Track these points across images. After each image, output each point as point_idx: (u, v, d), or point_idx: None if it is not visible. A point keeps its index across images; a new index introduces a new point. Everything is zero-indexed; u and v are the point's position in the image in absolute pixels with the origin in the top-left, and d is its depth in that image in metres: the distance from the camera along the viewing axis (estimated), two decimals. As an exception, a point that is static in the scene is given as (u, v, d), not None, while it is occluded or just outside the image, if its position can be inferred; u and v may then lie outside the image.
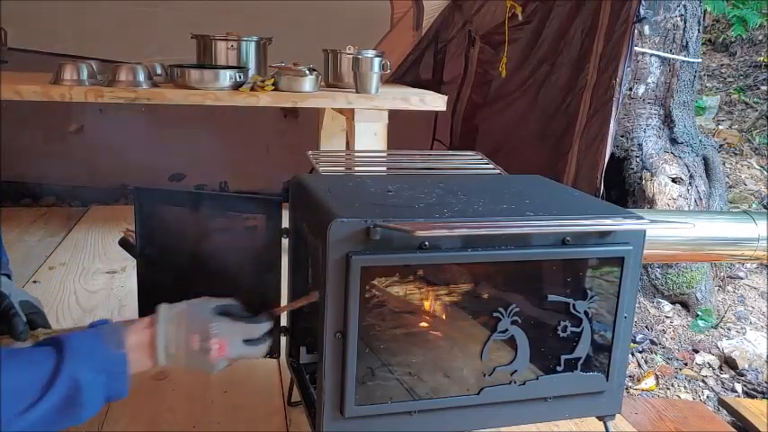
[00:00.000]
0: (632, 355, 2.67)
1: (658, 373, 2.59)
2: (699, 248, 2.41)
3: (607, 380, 1.35)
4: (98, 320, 1.22)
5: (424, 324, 1.33)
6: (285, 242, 1.52)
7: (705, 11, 4.79)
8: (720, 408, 2.33)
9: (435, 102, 2.83)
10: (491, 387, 1.27)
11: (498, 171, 1.70)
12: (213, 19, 3.41)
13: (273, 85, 2.72)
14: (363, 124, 2.71)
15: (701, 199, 3.21)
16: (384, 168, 1.85)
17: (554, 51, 3.15)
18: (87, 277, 2.57)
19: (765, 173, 4.68)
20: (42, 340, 1.17)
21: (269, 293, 1.51)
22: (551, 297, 1.31)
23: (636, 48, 2.92)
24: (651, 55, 3.17)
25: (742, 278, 3.46)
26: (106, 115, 3.64)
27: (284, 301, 1.55)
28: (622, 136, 3.25)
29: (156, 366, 1.18)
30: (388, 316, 1.29)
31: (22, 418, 1.00)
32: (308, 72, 2.72)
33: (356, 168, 1.83)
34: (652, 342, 2.81)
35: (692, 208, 3.16)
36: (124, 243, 1.58)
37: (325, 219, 1.15)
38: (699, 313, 3.06)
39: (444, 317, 1.34)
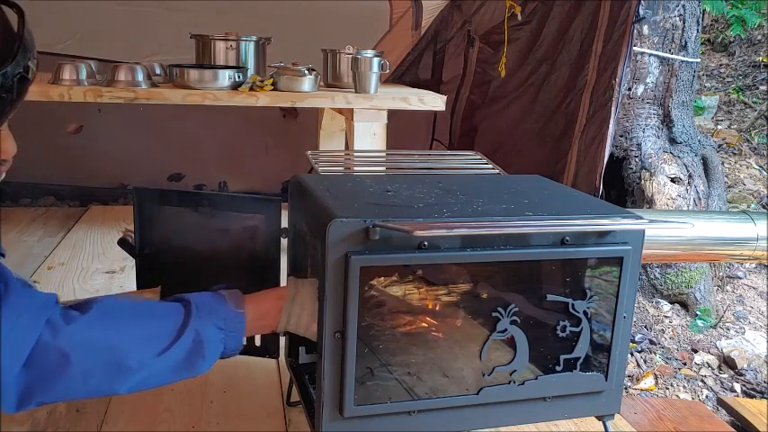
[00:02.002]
0: (631, 354, 2.67)
1: (657, 373, 2.59)
2: (698, 248, 2.41)
3: (606, 380, 1.35)
4: (220, 285, 1.31)
5: (423, 324, 1.33)
6: (285, 242, 1.52)
7: (704, 11, 4.80)
8: (719, 407, 2.33)
9: (434, 102, 2.84)
10: (490, 387, 1.27)
11: (497, 171, 1.70)
12: (212, 19, 3.41)
13: (272, 84, 2.72)
14: (362, 124, 2.71)
15: (699, 199, 3.22)
16: (383, 168, 1.86)
17: (553, 51, 3.16)
18: (86, 277, 2.57)
19: (764, 173, 4.69)
20: (171, 297, 1.25)
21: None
22: (550, 297, 1.31)
23: (635, 48, 2.92)
24: (650, 55, 3.17)
25: (741, 278, 3.46)
26: (105, 115, 3.64)
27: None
28: (621, 136, 3.25)
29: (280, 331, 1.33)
30: (388, 316, 1.29)
31: (156, 361, 1.13)
32: (306, 72, 2.72)
33: (355, 168, 1.83)
34: (651, 342, 2.81)
35: (690, 208, 3.16)
36: (123, 243, 1.58)
37: (324, 219, 1.15)
38: (698, 313, 3.06)
39: (443, 317, 1.34)
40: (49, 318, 1.07)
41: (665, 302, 3.12)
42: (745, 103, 5.57)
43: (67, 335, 1.07)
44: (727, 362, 2.70)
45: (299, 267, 1.52)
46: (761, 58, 5.86)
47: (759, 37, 5.99)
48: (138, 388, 1.14)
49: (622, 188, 3.30)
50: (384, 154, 2.32)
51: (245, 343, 1.28)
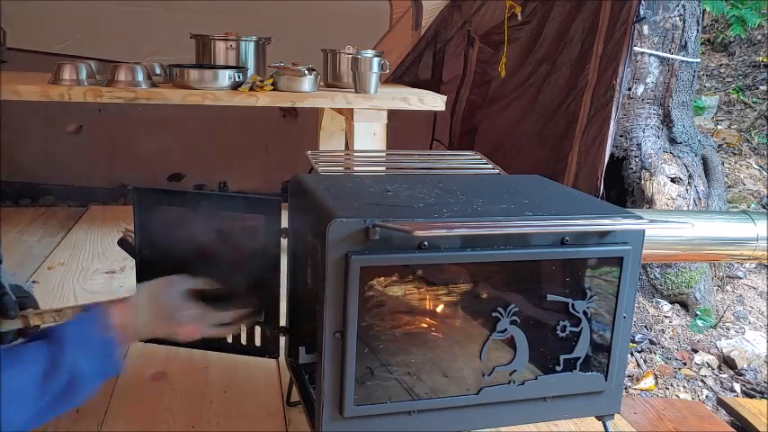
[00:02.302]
0: (631, 354, 2.67)
1: (657, 373, 2.59)
2: (698, 248, 2.41)
3: (606, 380, 1.35)
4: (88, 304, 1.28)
5: (423, 324, 1.34)
6: (285, 242, 1.52)
7: (704, 11, 4.79)
8: (719, 407, 2.33)
9: (434, 102, 2.83)
10: (490, 387, 1.27)
11: (497, 171, 1.70)
12: (212, 19, 3.41)
13: (272, 84, 2.72)
14: (362, 124, 2.71)
15: (699, 199, 3.22)
16: (383, 168, 1.86)
17: (554, 51, 3.16)
18: (86, 277, 2.57)
19: (764, 173, 4.69)
20: (36, 334, 1.22)
21: (269, 293, 1.51)
22: (550, 297, 1.31)
23: (635, 48, 2.92)
24: (650, 55, 3.17)
25: (741, 278, 3.46)
26: (105, 115, 3.64)
27: (284, 302, 1.55)
28: (621, 136, 3.25)
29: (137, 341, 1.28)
30: (388, 316, 1.29)
31: (31, 408, 1.08)
32: (307, 72, 2.71)
33: (355, 168, 1.83)
34: (651, 342, 2.81)
35: (690, 208, 3.16)
36: (123, 243, 1.58)
37: (324, 219, 1.15)
38: (698, 313, 3.06)
39: (443, 317, 1.34)
40: None
41: (665, 302, 3.12)
42: (745, 103, 5.57)
43: None
44: (727, 362, 2.70)
45: (300, 267, 1.52)
46: (761, 58, 5.86)
47: (759, 37, 5.98)
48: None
49: (622, 188, 3.30)
50: (384, 154, 2.32)
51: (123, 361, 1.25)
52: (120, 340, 1.22)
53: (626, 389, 2.43)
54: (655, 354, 2.73)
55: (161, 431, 1.55)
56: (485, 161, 1.77)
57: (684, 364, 2.69)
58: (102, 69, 2.78)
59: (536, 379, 1.31)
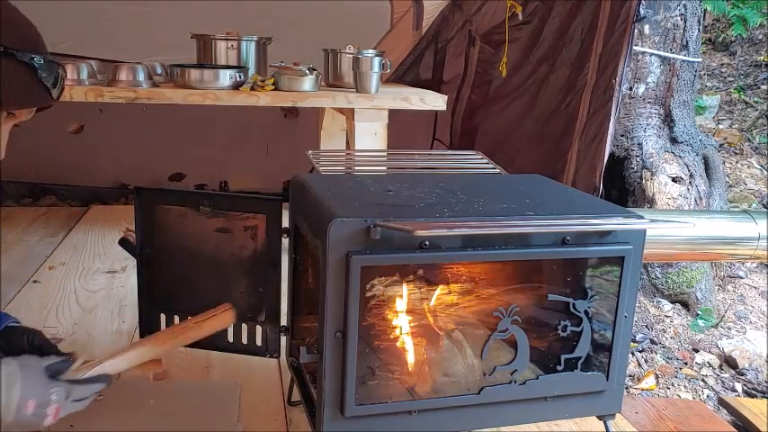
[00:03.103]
0: (632, 354, 2.67)
1: (658, 373, 2.59)
2: (699, 248, 2.41)
3: (607, 379, 1.35)
4: None
5: (423, 324, 1.33)
6: (285, 242, 1.52)
7: (705, 10, 4.79)
8: (720, 407, 2.33)
9: (435, 101, 2.83)
10: (491, 386, 1.27)
11: (498, 170, 1.70)
12: (213, 19, 3.41)
13: (273, 84, 2.72)
14: (363, 124, 2.71)
15: (701, 198, 3.21)
16: (384, 168, 1.86)
17: (554, 51, 3.15)
18: (87, 277, 2.57)
19: (765, 172, 4.68)
20: None
21: (269, 293, 1.52)
22: (551, 296, 1.31)
23: (636, 47, 2.92)
24: (651, 54, 3.17)
25: (742, 277, 3.46)
26: (106, 115, 3.64)
27: (285, 302, 1.55)
28: (622, 135, 3.25)
29: None
30: (388, 316, 1.29)
31: None
32: (307, 72, 2.71)
33: (356, 168, 1.83)
34: (652, 341, 2.81)
35: (692, 207, 3.16)
36: (124, 243, 1.58)
37: (325, 218, 1.15)
38: (699, 312, 3.06)
39: (444, 316, 1.34)
40: None
41: (666, 302, 3.11)
42: (747, 103, 5.56)
43: None
44: (729, 361, 2.70)
45: (300, 267, 1.52)
46: (762, 58, 5.86)
47: (760, 36, 5.98)
48: None
49: (623, 188, 3.30)
50: (385, 154, 2.32)
51: None
52: None
53: (627, 388, 2.43)
54: (656, 353, 2.73)
55: (161, 431, 1.55)
56: (486, 161, 1.77)
57: (685, 363, 2.69)
58: (104, 69, 2.78)
59: (537, 379, 1.31)
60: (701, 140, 3.38)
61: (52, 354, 1.28)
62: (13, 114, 1.20)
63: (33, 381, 1.16)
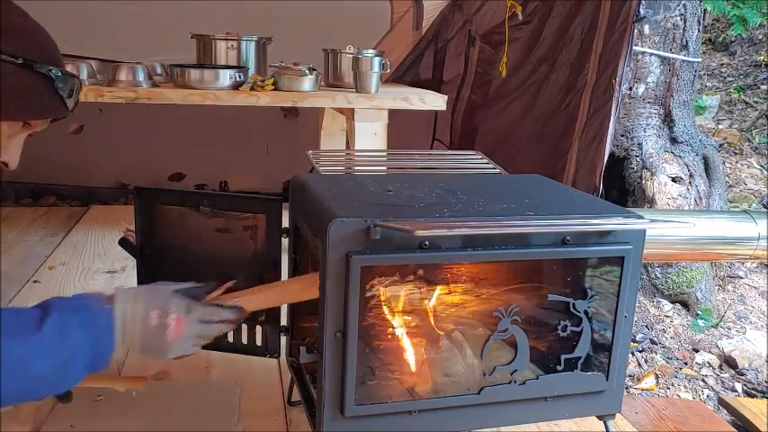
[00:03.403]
0: (632, 354, 2.67)
1: (658, 373, 2.59)
2: (699, 248, 2.41)
3: (607, 379, 1.35)
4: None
5: (423, 323, 1.33)
6: (285, 242, 1.52)
7: (705, 10, 4.79)
8: (720, 407, 2.33)
9: (435, 101, 2.83)
10: (491, 386, 1.27)
11: (498, 170, 1.70)
12: (213, 19, 3.41)
13: (273, 84, 2.72)
14: (363, 124, 2.71)
15: (700, 198, 3.21)
16: (384, 168, 1.86)
17: (554, 51, 3.15)
18: (87, 277, 2.57)
19: (765, 172, 4.68)
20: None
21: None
22: (551, 296, 1.31)
23: (636, 47, 2.92)
24: (651, 54, 3.17)
25: (742, 277, 3.46)
26: (106, 115, 3.64)
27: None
28: (622, 135, 3.25)
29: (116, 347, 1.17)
30: (388, 315, 1.29)
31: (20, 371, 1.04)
32: (307, 72, 2.71)
33: (356, 168, 1.83)
34: (652, 341, 2.81)
35: (691, 207, 3.16)
36: (124, 243, 1.58)
37: (325, 218, 1.15)
38: (699, 312, 3.06)
39: (444, 316, 1.34)
40: None
41: (666, 302, 3.12)
42: (747, 103, 5.56)
43: None
44: (729, 361, 2.70)
45: (300, 267, 1.52)
46: (762, 58, 5.86)
47: (760, 36, 5.98)
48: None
49: (623, 188, 3.30)
50: (385, 154, 2.32)
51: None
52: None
53: (627, 388, 2.43)
54: (656, 353, 2.73)
55: (161, 431, 1.55)
56: (486, 161, 1.77)
57: (685, 363, 2.69)
58: (103, 69, 2.78)
59: (537, 378, 1.31)
60: (700, 140, 3.39)
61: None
62: (29, 124, 1.22)
63: (157, 295, 1.21)
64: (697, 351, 2.79)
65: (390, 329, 1.30)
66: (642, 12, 2.73)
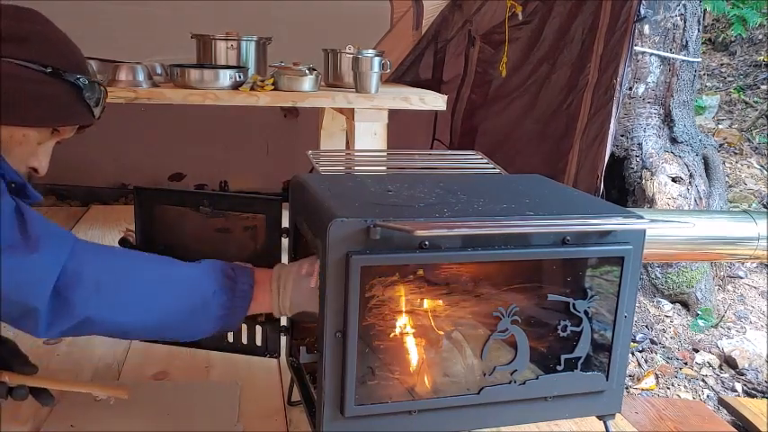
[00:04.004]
0: (632, 354, 2.67)
1: (658, 373, 2.59)
2: (699, 248, 2.41)
3: (607, 379, 1.35)
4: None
5: (423, 323, 1.33)
6: (285, 242, 1.52)
7: (705, 10, 4.79)
8: (720, 407, 2.33)
9: (435, 101, 2.83)
10: (491, 387, 1.27)
11: (498, 170, 1.70)
12: (213, 19, 3.41)
13: (273, 84, 2.72)
14: (363, 124, 2.71)
15: (700, 198, 3.22)
16: (384, 168, 1.85)
17: (554, 51, 3.15)
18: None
19: (765, 172, 4.68)
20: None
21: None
22: (551, 296, 1.31)
23: (636, 47, 2.92)
24: (651, 54, 3.17)
25: (742, 277, 3.46)
26: (106, 115, 3.63)
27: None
28: (622, 135, 3.25)
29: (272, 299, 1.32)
30: (388, 315, 1.29)
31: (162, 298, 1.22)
32: (307, 72, 2.71)
33: (356, 168, 1.83)
34: (652, 341, 2.81)
35: (691, 207, 3.16)
36: (124, 243, 1.58)
37: (325, 218, 1.15)
38: (699, 312, 3.06)
39: (444, 316, 1.34)
40: (72, 247, 1.16)
41: (666, 302, 3.12)
42: (746, 103, 5.56)
43: (84, 257, 1.17)
44: (729, 361, 2.70)
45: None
46: (762, 58, 5.86)
47: (760, 36, 5.98)
48: (149, 322, 1.20)
49: (623, 188, 3.30)
50: (385, 154, 2.32)
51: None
52: (254, 306, 1.30)
53: (627, 388, 2.43)
54: (656, 353, 2.73)
55: (161, 431, 1.55)
56: (486, 161, 1.76)
57: (685, 363, 2.70)
58: (103, 69, 2.78)
59: (537, 379, 1.31)
60: (700, 140, 3.39)
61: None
62: (58, 131, 1.29)
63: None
64: (697, 351, 2.79)
65: (390, 329, 1.30)
66: (642, 12, 2.73)
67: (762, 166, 4.76)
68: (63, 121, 1.26)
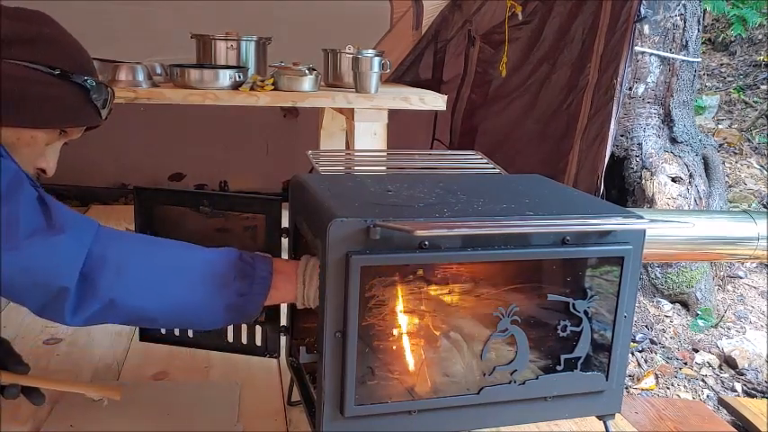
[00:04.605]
0: (632, 354, 2.67)
1: (658, 373, 2.59)
2: (698, 248, 2.41)
3: (607, 379, 1.35)
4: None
5: (423, 323, 1.33)
6: (285, 242, 1.52)
7: (705, 10, 4.79)
8: (720, 407, 2.33)
9: (435, 101, 2.83)
10: (491, 387, 1.27)
11: (498, 170, 1.70)
12: (213, 19, 3.41)
13: (273, 84, 2.72)
14: (363, 124, 2.71)
15: (700, 198, 3.22)
16: (384, 168, 1.85)
17: (554, 51, 3.15)
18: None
19: (765, 172, 4.68)
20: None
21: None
22: (551, 296, 1.31)
23: (636, 47, 2.92)
24: (651, 54, 3.17)
25: (742, 277, 3.46)
26: (106, 115, 3.64)
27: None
28: (622, 135, 3.25)
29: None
30: (388, 316, 1.29)
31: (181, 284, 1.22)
32: (307, 72, 2.71)
33: (356, 168, 1.83)
34: (652, 341, 2.81)
35: (691, 207, 3.16)
36: (124, 243, 1.58)
37: (324, 218, 1.15)
38: (698, 312, 3.06)
39: (444, 316, 1.34)
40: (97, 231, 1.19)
41: (666, 302, 3.12)
42: (746, 103, 5.56)
43: (107, 241, 1.19)
44: (728, 361, 2.70)
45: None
46: (762, 58, 5.86)
47: (760, 36, 5.98)
48: (167, 307, 1.21)
49: (623, 188, 3.30)
50: (385, 154, 2.32)
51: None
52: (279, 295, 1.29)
53: (627, 388, 2.43)
54: (656, 353, 2.73)
55: (161, 431, 1.55)
56: (485, 161, 1.76)
57: (685, 363, 2.70)
58: (103, 69, 2.77)
59: (537, 378, 1.31)
60: (700, 140, 3.39)
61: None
62: (65, 132, 1.29)
63: None
64: (697, 351, 2.79)
65: (390, 329, 1.30)
66: (643, 12, 2.73)
67: (762, 166, 4.76)
68: (71, 123, 1.27)
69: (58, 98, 1.21)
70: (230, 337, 1.58)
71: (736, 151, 4.96)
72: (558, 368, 1.32)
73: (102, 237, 1.19)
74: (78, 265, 1.13)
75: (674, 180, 3.19)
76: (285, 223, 1.52)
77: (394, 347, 1.30)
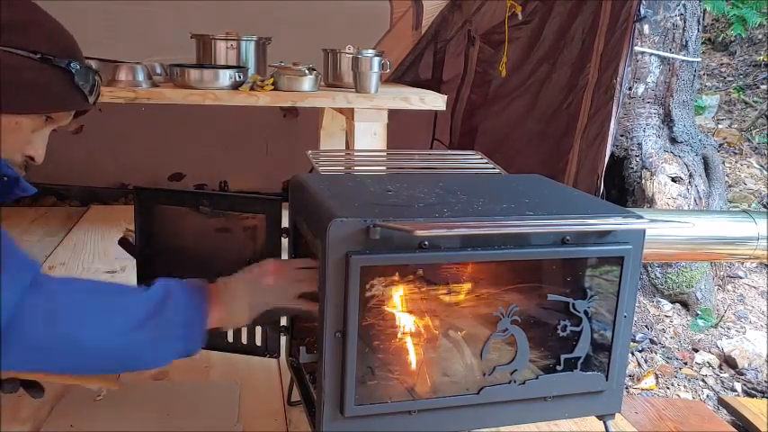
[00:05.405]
0: (632, 354, 2.67)
1: (658, 373, 2.59)
2: (698, 248, 2.41)
3: (607, 379, 1.35)
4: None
5: (423, 323, 1.33)
6: (285, 242, 1.52)
7: (705, 10, 4.79)
8: (720, 407, 2.33)
9: (435, 101, 2.83)
10: (491, 386, 1.27)
11: (498, 170, 1.70)
12: (213, 19, 3.41)
13: (273, 84, 2.72)
14: (363, 124, 2.71)
15: (700, 198, 3.22)
16: (384, 168, 1.85)
17: (554, 51, 3.16)
18: (87, 277, 2.57)
19: (765, 172, 4.68)
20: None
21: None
22: (551, 296, 1.31)
23: (636, 47, 2.92)
24: (651, 54, 3.17)
25: (741, 277, 3.46)
26: (106, 115, 3.64)
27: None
28: (622, 135, 3.25)
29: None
30: (388, 315, 1.29)
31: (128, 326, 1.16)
32: (307, 72, 2.71)
33: (356, 168, 1.83)
34: (652, 341, 2.81)
35: (691, 207, 3.16)
36: (124, 243, 1.58)
37: (324, 218, 1.15)
38: (698, 312, 3.06)
39: (444, 316, 1.34)
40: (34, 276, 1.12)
41: (666, 302, 3.12)
42: (746, 103, 5.56)
43: (46, 285, 1.13)
44: (728, 361, 2.70)
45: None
46: (761, 58, 5.86)
47: (760, 36, 5.98)
48: (104, 344, 1.16)
49: (623, 188, 3.30)
50: (385, 153, 2.32)
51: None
52: (212, 320, 1.26)
53: (627, 388, 2.43)
54: (655, 353, 2.73)
55: (161, 431, 1.55)
56: (485, 161, 1.77)
57: (685, 363, 2.70)
58: (103, 69, 2.77)
59: (536, 378, 1.31)
60: (700, 140, 3.39)
61: None
62: (52, 119, 1.24)
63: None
64: (697, 351, 2.79)
65: (390, 329, 1.30)
66: (642, 11, 2.73)
67: (761, 166, 4.76)
68: (55, 108, 1.22)
69: (40, 83, 1.16)
70: (230, 337, 1.58)
71: (736, 151, 4.96)
72: (558, 368, 1.32)
73: (40, 281, 1.12)
74: (10, 305, 1.06)
75: (673, 180, 3.18)
76: (285, 223, 1.52)
77: (394, 347, 1.30)
